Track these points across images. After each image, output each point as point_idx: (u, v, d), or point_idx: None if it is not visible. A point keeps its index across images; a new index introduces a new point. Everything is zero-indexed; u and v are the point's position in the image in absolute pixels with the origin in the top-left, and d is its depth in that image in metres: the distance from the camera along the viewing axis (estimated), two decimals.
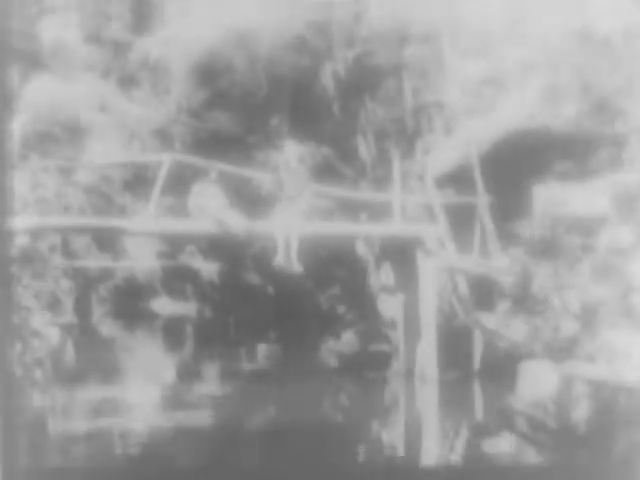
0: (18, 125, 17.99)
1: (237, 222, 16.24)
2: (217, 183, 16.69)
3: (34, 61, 19.95)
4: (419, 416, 15.68)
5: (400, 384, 17.55)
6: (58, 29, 20.59)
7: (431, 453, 13.15)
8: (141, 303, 23.45)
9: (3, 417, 11.95)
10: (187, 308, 23.46)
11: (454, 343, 17.28)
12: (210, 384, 18.28)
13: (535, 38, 18.14)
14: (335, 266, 20.83)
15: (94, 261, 22.02)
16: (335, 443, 13.16)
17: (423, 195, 18.97)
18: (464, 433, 14.06)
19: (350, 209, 19.32)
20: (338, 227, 18.23)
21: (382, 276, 19.87)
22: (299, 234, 16.19)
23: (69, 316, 21.06)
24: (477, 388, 16.90)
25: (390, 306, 19.13)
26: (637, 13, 16.59)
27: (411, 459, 12.74)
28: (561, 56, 17.69)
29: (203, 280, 22.87)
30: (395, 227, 17.65)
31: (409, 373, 17.48)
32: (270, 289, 21.72)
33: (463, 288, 18.11)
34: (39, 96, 19.82)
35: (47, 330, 17.11)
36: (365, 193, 19.87)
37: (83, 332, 21.46)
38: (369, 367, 18.62)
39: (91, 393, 16.86)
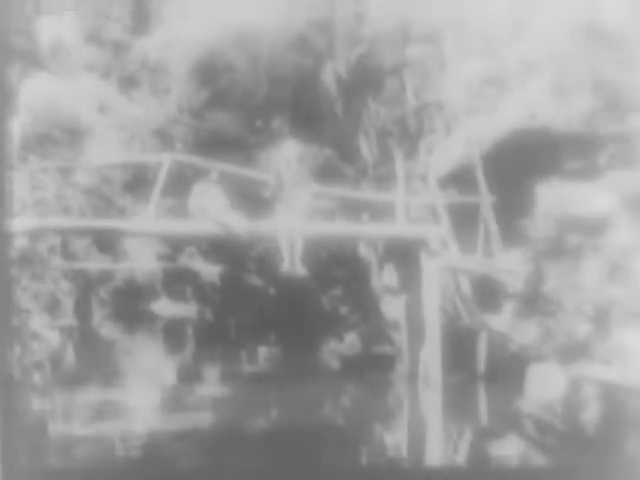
0: (17, 126, 17.90)
1: (238, 223, 16.15)
2: (218, 183, 16.61)
3: (33, 62, 19.89)
4: (423, 419, 15.60)
5: (403, 387, 17.46)
6: (57, 29, 20.53)
7: (435, 456, 13.08)
8: (141, 305, 23.43)
9: (3, 420, 11.88)
10: (188, 310, 23.44)
11: (458, 345, 17.16)
12: (211, 386, 18.22)
13: (540, 36, 18.05)
14: (337, 267, 20.78)
15: (94, 263, 21.96)
16: (337, 446, 13.12)
17: (426, 195, 18.92)
18: (469, 436, 13.99)
19: (352, 210, 19.28)
20: (340, 228, 18.08)
21: (385, 277, 19.81)
22: (303, 236, 16.10)
23: (69, 318, 21.02)
24: (482, 391, 16.81)
25: (393, 307, 19.10)
26: None
27: (415, 463, 12.67)
28: (567, 53, 17.56)
29: (204, 282, 22.84)
30: (398, 228, 17.56)
31: (412, 375, 17.35)
32: (271, 290, 21.66)
33: (466, 289, 18.04)
34: (38, 97, 19.75)
35: (46, 332, 17.07)
36: (367, 193, 19.77)
37: (83, 334, 21.45)
38: (372, 369, 18.57)
39: (91, 395, 16.79)
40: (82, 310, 21.94)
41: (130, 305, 23.13)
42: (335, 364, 19.70)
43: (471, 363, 17.31)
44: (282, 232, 16.08)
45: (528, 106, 17.85)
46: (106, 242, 21.58)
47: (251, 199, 16.99)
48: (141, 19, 21.67)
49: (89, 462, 12.23)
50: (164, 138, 21.14)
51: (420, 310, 17.10)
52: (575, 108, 17.24)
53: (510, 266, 16.85)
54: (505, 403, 14.78)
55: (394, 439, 14.09)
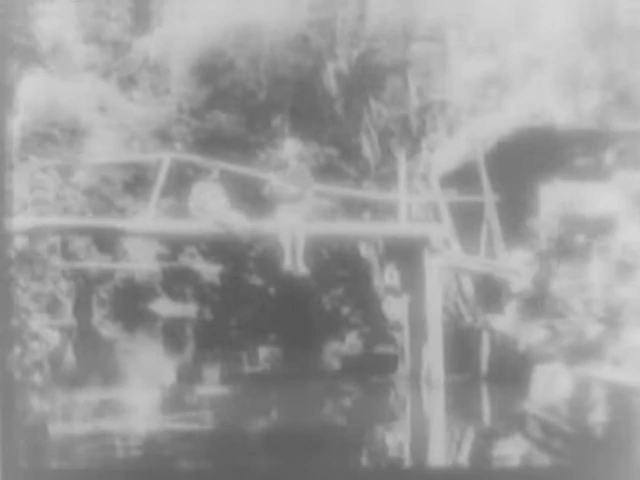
0: (16, 126, 17.82)
1: (239, 222, 16.10)
2: (219, 182, 16.56)
3: (32, 61, 19.82)
4: (425, 420, 15.51)
5: (405, 387, 17.39)
6: (56, 29, 20.49)
7: (438, 458, 12.98)
8: (141, 305, 23.46)
9: (3, 420, 11.86)
10: (187, 310, 23.44)
11: (461, 345, 17.10)
12: (211, 386, 18.15)
13: (545, 32, 17.97)
14: (339, 267, 20.75)
15: (94, 263, 21.95)
16: (338, 448, 13.00)
17: (428, 194, 18.83)
18: (472, 438, 13.91)
19: (354, 209, 19.25)
20: (342, 227, 18.05)
21: (387, 277, 19.75)
22: (305, 236, 16.05)
23: (69, 318, 21.03)
24: (485, 391, 16.76)
25: (395, 307, 19.03)
26: None
27: (417, 464, 12.58)
28: (575, 49, 17.49)
29: (204, 281, 22.83)
30: (401, 227, 17.47)
31: (415, 376, 17.25)
32: (272, 290, 21.64)
33: (469, 289, 18.00)
34: (37, 96, 19.70)
35: (46, 332, 17.04)
36: (369, 193, 19.71)
37: (83, 334, 21.47)
38: (374, 370, 18.54)
39: (91, 395, 16.76)
40: (82, 310, 21.97)
41: (130, 305, 23.16)
42: (336, 364, 19.67)
43: (474, 363, 17.23)
44: (284, 231, 16.02)
45: (532, 104, 17.76)
46: (106, 242, 21.60)
47: (252, 198, 16.94)
48: (141, 18, 21.66)
49: (89, 462, 12.16)
50: (164, 138, 21.12)
51: (422, 310, 17.00)
52: (583, 105, 17.15)
53: (513, 266, 16.79)
54: (509, 404, 14.69)
55: (396, 440, 14.02)
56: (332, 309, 21.26)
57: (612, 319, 13.92)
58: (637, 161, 16.02)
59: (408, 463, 12.70)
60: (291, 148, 16.81)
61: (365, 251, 20.29)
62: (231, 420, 14.80)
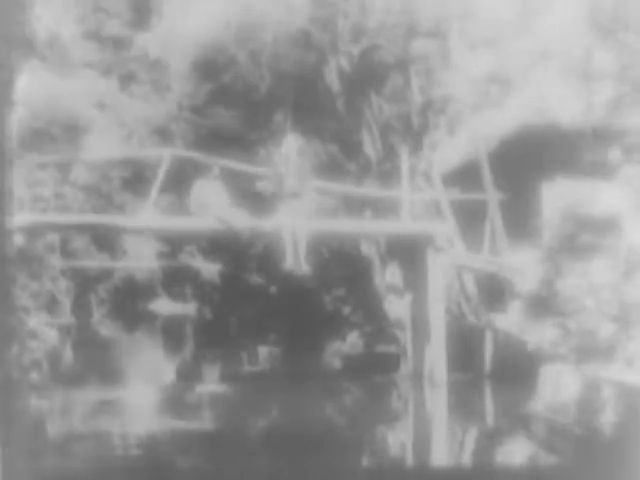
0: (15, 122, 17.74)
1: (240, 220, 16.02)
2: (219, 179, 16.48)
3: (30, 54, 19.76)
4: (428, 420, 15.44)
5: (408, 387, 17.31)
6: (54, 23, 20.45)
7: (441, 459, 12.88)
8: (140, 304, 23.45)
9: (2, 419, 11.80)
10: (187, 309, 23.43)
11: (465, 344, 17.01)
12: (210, 386, 18.09)
13: (550, 27, 17.88)
14: (340, 266, 20.67)
15: (93, 261, 21.91)
16: (339, 448, 12.92)
17: (430, 192, 18.72)
18: (475, 438, 13.82)
19: (355, 207, 19.18)
20: (344, 225, 17.95)
21: (389, 275, 19.66)
22: (306, 234, 15.97)
23: (67, 317, 21.00)
24: (488, 391, 16.68)
25: (398, 306, 18.94)
26: None
27: (420, 465, 12.50)
28: (580, 44, 17.42)
29: (203, 280, 22.79)
30: (403, 225, 17.36)
31: (417, 376, 17.17)
32: (272, 289, 21.56)
33: (471, 287, 17.89)
34: (36, 93, 19.63)
35: (45, 331, 17.03)
36: (371, 190, 19.62)
37: (82, 333, 21.45)
38: (375, 370, 18.45)
39: (90, 394, 16.71)
40: (81, 309, 21.95)
41: (129, 304, 23.17)
42: (337, 364, 19.58)
43: (477, 363, 17.15)
44: (285, 229, 15.94)
45: (536, 101, 17.67)
46: (105, 240, 21.59)
47: (253, 196, 16.88)
48: (141, 14, 21.60)
49: (87, 461, 12.12)
50: (164, 135, 21.06)
51: (425, 308, 16.93)
52: (595, 98, 17.05)
53: (517, 264, 16.71)
54: (513, 404, 14.69)
55: (398, 440, 13.97)
56: (333, 308, 21.18)
57: (625, 318, 13.81)
58: None
59: (410, 463, 12.61)
60: (291, 143, 16.72)
61: (366, 249, 20.19)
62: (231, 419, 14.79)
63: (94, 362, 19.32)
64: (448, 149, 19.12)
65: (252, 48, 20.33)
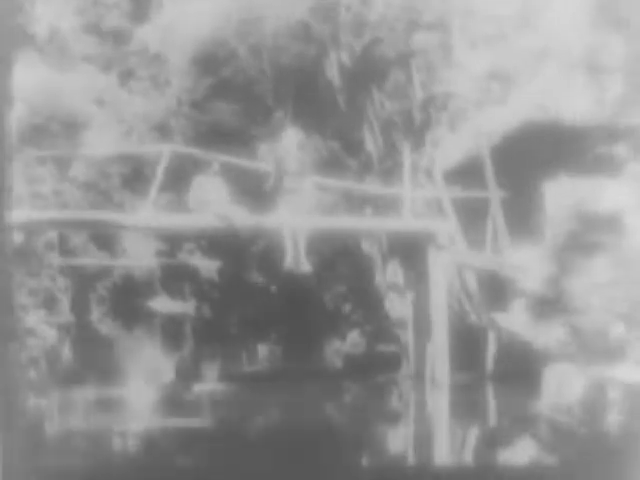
0: (14, 118, 17.69)
1: (240, 217, 15.95)
2: (219, 175, 16.41)
3: (30, 51, 19.75)
4: (429, 420, 15.38)
5: (409, 387, 17.22)
6: (55, 19, 20.42)
7: (442, 460, 12.81)
8: (139, 302, 23.45)
9: (2, 419, 11.77)
10: (186, 307, 23.44)
11: (467, 344, 16.89)
12: (209, 384, 18.01)
13: (557, 20, 17.80)
14: (340, 264, 20.61)
15: (92, 259, 21.88)
16: (339, 448, 12.84)
17: (432, 189, 18.60)
18: (477, 438, 13.75)
19: (356, 204, 19.12)
20: (344, 223, 17.82)
21: (390, 273, 19.60)
22: (307, 231, 15.89)
23: (66, 315, 20.97)
24: (491, 391, 16.56)
25: (399, 305, 18.89)
26: None
27: (421, 466, 12.44)
28: (585, 40, 17.35)
29: (202, 278, 22.77)
30: (405, 222, 17.24)
31: (419, 375, 17.09)
32: (273, 287, 21.53)
33: (472, 286, 17.79)
34: (35, 88, 19.58)
35: (42, 329, 17.02)
36: (372, 187, 19.55)
37: (80, 331, 21.42)
38: (376, 369, 18.32)
39: (88, 393, 16.62)
40: (79, 307, 21.93)
41: (128, 302, 23.18)
42: (337, 363, 19.51)
43: (479, 362, 17.04)
44: (285, 227, 15.87)
45: (540, 97, 17.59)
46: (104, 238, 21.57)
47: (253, 192, 16.80)
48: (141, 7, 21.57)
49: (86, 460, 12.08)
50: (163, 131, 21.01)
51: (427, 307, 16.83)
52: (605, 93, 16.96)
53: (520, 263, 16.62)
54: (516, 404, 14.60)
55: (399, 441, 13.92)
56: (334, 307, 21.15)
57: (635, 316, 13.71)
58: None
59: (412, 464, 12.55)
60: (291, 137, 16.64)
61: (367, 247, 20.14)
62: (230, 418, 14.72)
63: (93, 360, 19.25)
64: (450, 146, 19.04)
65: (252, 42, 20.30)
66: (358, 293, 20.74)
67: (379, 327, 19.80)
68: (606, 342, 13.69)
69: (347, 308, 21.01)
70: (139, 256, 22.61)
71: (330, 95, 20.47)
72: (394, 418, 15.27)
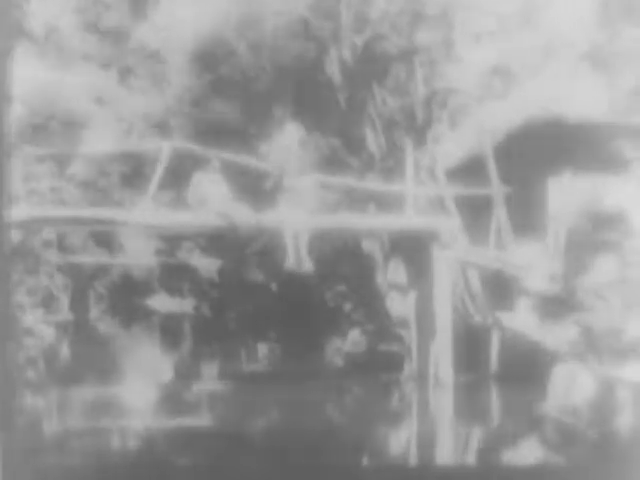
0: (12, 116, 17.68)
1: (241, 215, 15.90)
2: (219, 172, 16.37)
3: (28, 49, 19.66)
4: (433, 421, 15.35)
5: (412, 387, 17.18)
6: (52, 17, 20.34)
7: (445, 460, 12.78)
8: (138, 300, 23.35)
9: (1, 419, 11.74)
10: (185, 306, 23.36)
11: (471, 343, 16.83)
12: (208, 383, 18.18)
13: (553, 21, 17.75)
14: (342, 261, 20.52)
15: (90, 257, 21.79)
16: (339, 449, 12.92)
17: (435, 187, 18.52)
18: (482, 440, 13.69)
19: (359, 202, 19.02)
20: (348, 221, 17.70)
21: (393, 272, 19.52)
22: (308, 230, 15.84)
23: (64, 313, 20.90)
24: (495, 392, 16.51)
25: (402, 304, 18.81)
26: None
27: (424, 467, 12.45)
28: (585, 36, 17.31)
29: (202, 277, 22.67)
30: (407, 220, 17.25)
31: (422, 375, 17.03)
32: (272, 286, 21.44)
33: (476, 284, 17.75)
34: (33, 86, 19.49)
35: (41, 328, 17.02)
36: (374, 185, 19.46)
37: (79, 330, 21.33)
38: (378, 368, 18.28)
39: (88, 392, 16.71)
40: (78, 305, 21.85)
41: (126, 300, 23.08)
42: (338, 362, 19.44)
43: (483, 362, 16.96)
44: (287, 225, 15.83)
45: (542, 94, 17.55)
46: (103, 236, 21.47)
47: (253, 189, 16.76)
48: (139, 4, 21.47)
49: (85, 459, 12.15)
50: (163, 129, 20.93)
51: (430, 306, 16.82)
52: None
53: (524, 261, 16.59)
54: (521, 405, 14.54)
55: (401, 442, 13.89)
56: (334, 305, 21.06)
57: None
58: None
59: (414, 465, 12.51)
60: (292, 133, 16.61)
61: (369, 245, 20.05)
62: (229, 418, 14.84)
63: (91, 359, 19.17)
64: (452, 143, 19.03)
65: (252, 39, 20.23)
66: (359, 291, 20.67)
67: (380, 326, 19.74)
68: (618, 341, 13.60)
69: (348, 306, 20.93)
70: (138, 254, 22.52)
71: (331, 92, 20.39)
72: (396, 418, 15.32)
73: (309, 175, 16.29)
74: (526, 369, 15.07)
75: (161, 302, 23.50)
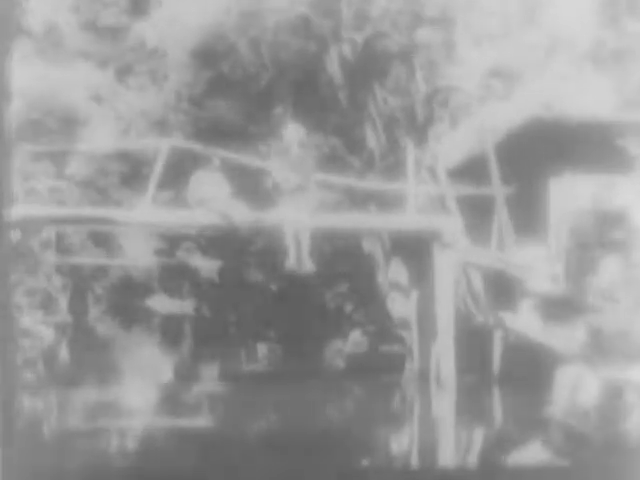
0: (12, 114, 17.66)
1: (241, 214, 15.86)
2: (220, 171, 16.33)
3: (26, 47, 19.60)
4: (434, 423, 15.28)
5: (414, 388, 17.16)
6: (51, 14, 20.29)
7: (447, 463, 12.71)
8: (137, 301, 23.32)
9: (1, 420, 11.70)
10: (185, 306, 23.33)
11: (473, 344, 16.75)
12: (208, 384, 18.21)
13: (555, 20, 17.68)
14: (342, 261, 20.46)
15: (89, 258, 21.75)
16: (340, 451, 12.91)
17: (436, 187, 18.47)
18: (484, 443, 13.61)
19: (359, 202, 18.95)
20: (349, 220, 17.69)
21: (394, 272, 19.46)
22: (310, 229, 15.79)
23: (63, 315, 20.86)
24: (498, 394, 16.43)
25: (403, 304, 18.76)
26: None
27: (425, 469, 12.37)
28: (588, 35, 17.25)
29: (202, 277, 22.62)
30: (409, 220, 17.23)
31: (424, 376, 16.98)
32: (273, 286, 21.38)
33: (478, 285, 17.68)
34: (32, 84, 19.44)
35: (40, 329, 17.00)
36: (375, 184, 19.40)
37: (78, 331, 21.30)
38: (379, 369, 18.14)
39: (87, 393, 16.74)
40: (77, 306, 21.81)
41: (126, 301, 23.05)
42: (339, 363, 19.36)
43: (486, 363, 16.89)
44: (288, 225, 15.78)
45: (544, 93, 17.51)
46: (102, 237, 21.45)
47: (254, 189, 16.73)
48: (138, 1, 21.43)
49: (85, 461, 12.15)
50: (162, 127, 20.88)
51: (432, 307, 16.78)
52: (598, 93, 16.87)
53: (526, 261, 16.54)
54: (525, 407, 14.46)
55: (403, 444, 13.86)
56: (335, 306, 21.01)
57: None
58: None
59: (415, 468, 12.44)
60: (293, 133, 16.57)
61: (370, 245, 20.00)
62: (229, 419, 14.87)
63: (91, 360, 19.11)
64: (453, 142, 18.99)
65: (252, 36, 20.20)
66: (360, 292, 20.62)
67: (382, 327, 19.69)
68: (626, 343, 13.51)
69: (349, 307, 20.88)
70: (137, 255, 22.49)
71: (331, 91, 20.35)
72: (398, 420, 15.28)
73: (309, 174, 16.22)
74: (529, 371, 15.04)
75: (161, 303, 23.46)
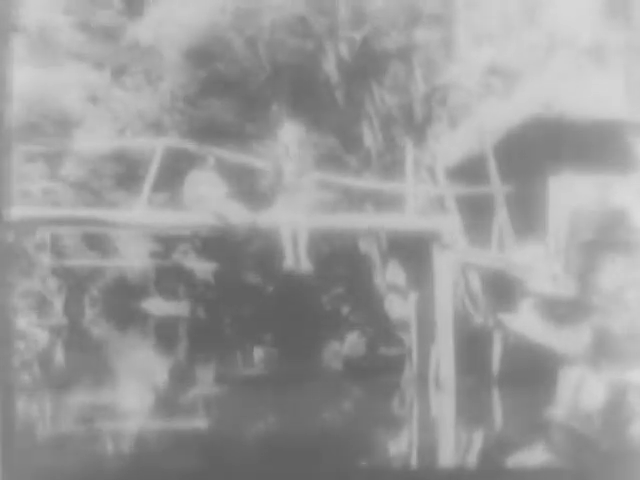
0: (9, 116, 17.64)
1: (238, 215, 15.80)
2: (215, 170, 16.27)
3: (20, 48, 19.53)
4: (433, 425, 15.22)
5: (413, 390, 17.05)
6: (46, 14, 20.23)
7: (446, 466, 12.60)
8: (133, 303, 23.29)
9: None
10: (180, 309, 23.30)
11: (473, 346, 16.70)
12: (204, 388, 18.09)
13: (555, 18, 17.64)
14: (339, 263, 20.40)
15: (84, 260, 21.70)
16: (338, 454, 12.95)
17: (434, 186, 18.43)
18: (483, 444, 13.54)
19: (357, 202, 18.89)
20: (346, 221, 17.68)
21: (392, 273, 19.42)
22: (308, 229, 15.74)
23: (58, 317, 20.81)
24: (498, 396, 16.33)
25: (401, 306, 18.71)
26: None
27: (424, 472, 12.24)
28: (588, 34, 17.20)
29: (197, 279, 22.57)
30: (408, 220, 17.21)
31: (423, 378, 16.93)
32: (269, 288, 21.33)
33: (476, 286, 17.62)
34: (26, 86, 19.37)
35: (34, 332, 16.98)
36: (372, 184, 19.35)
37: (73, 334, 21.27)
38: (378, 372, 18.12)
39: (82, 396, 16.67)
40: (72, 309, 21.77)
41: (121, 304, 23.03)
42: (336, 366, 19.25)
43: (486, 365, 16.81)
44: (285, 226, 15.72)
45: (544, 92, 17.47)
46: (97, 239, 21.41)
47: (250, 189, 16.68)
48: (133, 1, 21.40)
49: (80, 464, 12.21)
50: (158, 128, 20.83)
51: (431, 308, 16.73)
52: (599, 92, 16.81)
53: (526, 261, 16.47)
54: (525, 409, 14.39)
55: (401, 447, 13.82)
56: (332, 308, 20.96)
57: None
58: None
59: (415, 470, 12.36)
60: (290, 132, 16.54)
61: (368, 246, 19.95)
62: (225, 422, 14.84)
63: (86, 363, 19.08)
64: (452, 141, 18.94)
65: (248, 35, 20.17)
66: (357, 294, 20.57)
67: (380, 329, 19.65)
68: (632, 345, 13.43)
69: (346, 309, 20.83)
70: (132, 257, 22.46)
71: (328, 89, 20.31)
72: (397, 422, 15.26)
73: (307, 174, 16.16)
74: (529, 372, 14.99)
75: (156, 305, 23.42)
